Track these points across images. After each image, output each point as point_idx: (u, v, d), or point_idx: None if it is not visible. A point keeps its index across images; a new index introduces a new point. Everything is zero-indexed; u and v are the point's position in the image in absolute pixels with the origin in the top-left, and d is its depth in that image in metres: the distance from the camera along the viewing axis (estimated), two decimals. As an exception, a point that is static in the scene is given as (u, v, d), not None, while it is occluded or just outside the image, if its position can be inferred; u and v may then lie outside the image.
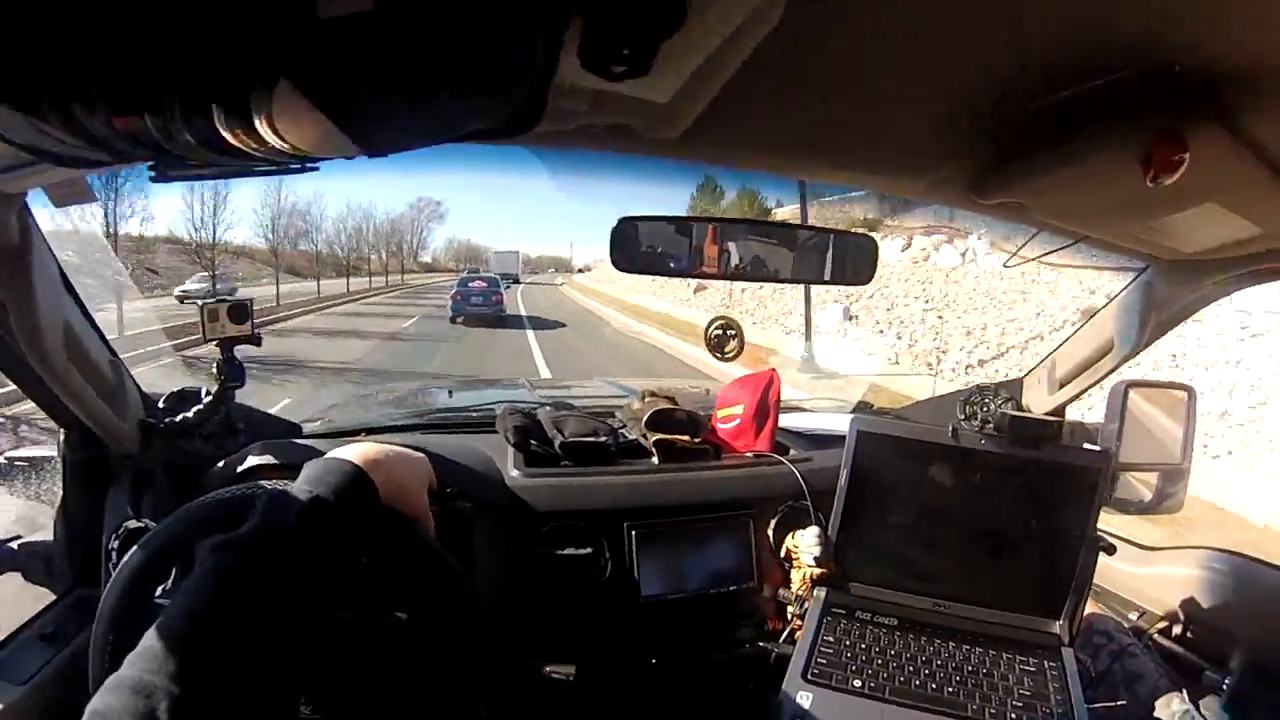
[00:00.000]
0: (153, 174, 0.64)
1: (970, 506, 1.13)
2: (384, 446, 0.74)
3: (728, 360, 1.27)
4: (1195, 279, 1.10)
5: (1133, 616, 1.29)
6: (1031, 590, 1.10)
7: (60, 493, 1.07)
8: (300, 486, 0.64)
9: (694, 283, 17.13)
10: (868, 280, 1.05)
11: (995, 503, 1.12)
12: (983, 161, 0.76)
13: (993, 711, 0.95)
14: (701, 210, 19.62)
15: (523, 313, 19.93)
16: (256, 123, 0.44)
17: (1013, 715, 0.94)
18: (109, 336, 0.97)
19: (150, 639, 0.52)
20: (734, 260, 0.98)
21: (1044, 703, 0.96)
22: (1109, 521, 1.16)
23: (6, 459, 1.10)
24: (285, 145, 0.47)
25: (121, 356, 1.03)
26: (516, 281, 38.81)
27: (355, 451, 0.70)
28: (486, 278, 20.38)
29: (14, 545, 1.08)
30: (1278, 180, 0.69)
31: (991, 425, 1.08)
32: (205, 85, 0.43)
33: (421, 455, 0.79)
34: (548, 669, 1.04)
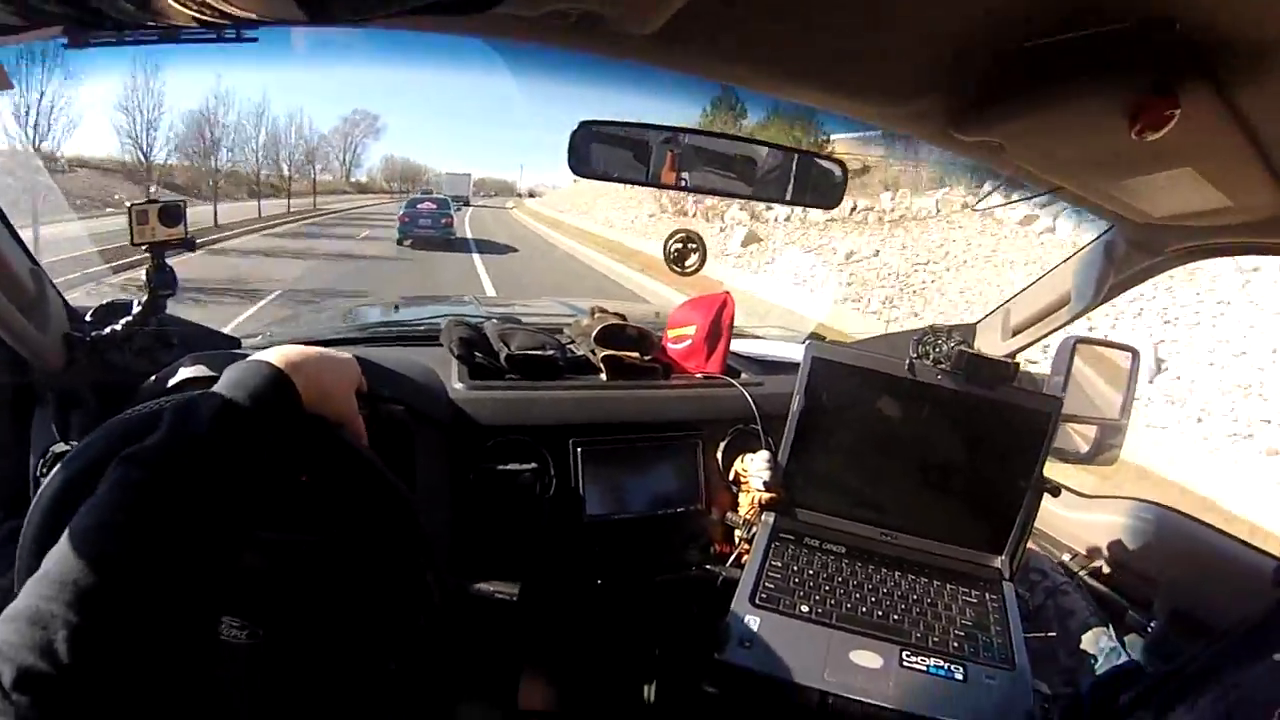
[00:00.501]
0: (66, 41, 0.58)
1: (921, 440, 1.14)
2: (306, 349, 0.69)
3: (688, 274, 1.25)
4: (1157, 243, 1.13)
5: (1066, 557, 1.35)
6: (976, 525, 1.13)
7: (-20, 417, 1.01)
8: (213, 392, 0.60)
9: (651, 212, 16.90)
10: (832, 206, 1.04)
11: (946, 438, 1.14)
12: (966, 97, 0.74)
13: (936, 639, 0.98)
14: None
15: (469, 235, 19.49)
16: None
17: (955, 644, 0.97)
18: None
19: (48, 562, 0.48)
20: (692, 173, 0.96)
21: (984, 632, 1.00)
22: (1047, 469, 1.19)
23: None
24: (228, 5, 0.43)
25: (56, 280, 0.97)
26: (467, 204, 37.77)
27: (275, 354, 0.65)
28: (436, 199, 19.68)
29: (-66, 477, 1.02)
30: (1257, 154, 0.69)
31: (948, 363, 1.09)
32: None
33: (349, 356, 0.75)
34: (490, 587, 1.01)
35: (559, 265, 14.66)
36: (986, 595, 1.06)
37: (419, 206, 17.74)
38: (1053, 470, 1.17)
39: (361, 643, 0.70)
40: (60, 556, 0.48)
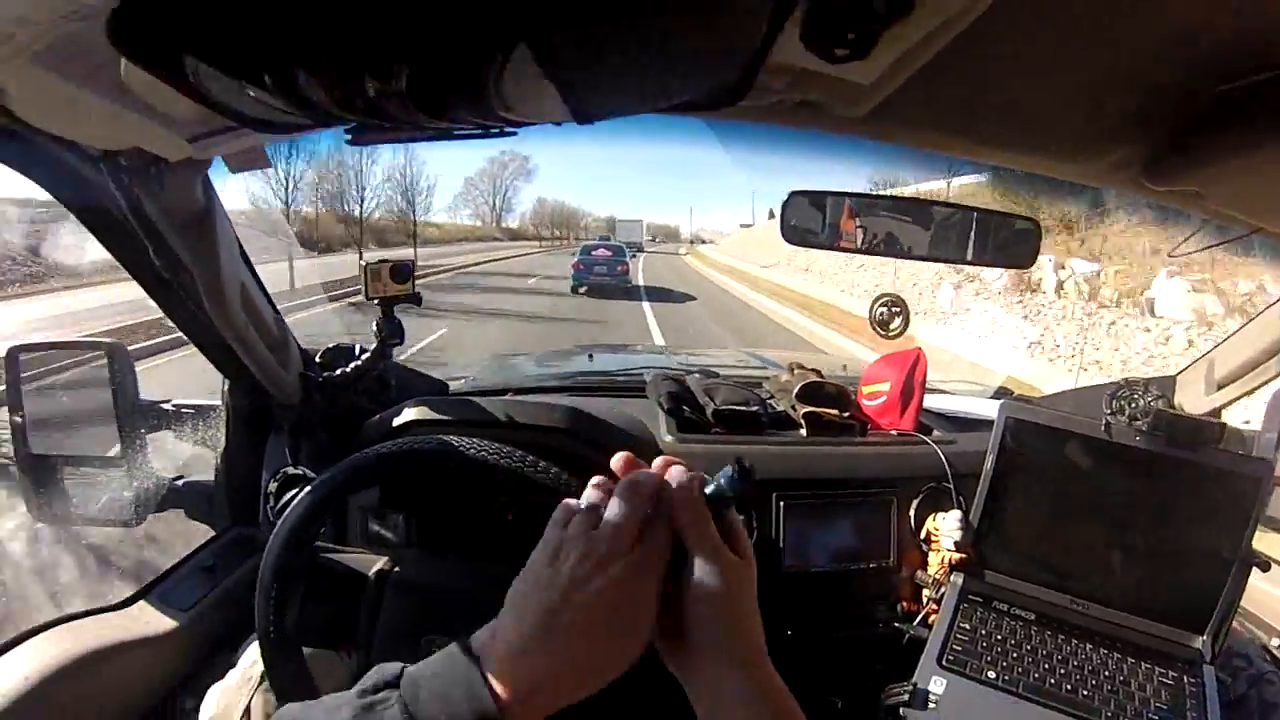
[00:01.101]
0: (349, 137, 0.66)
1: (1117, 505, 1.07)
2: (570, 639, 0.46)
3: (892, 338, 1.24)
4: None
5: (1275, 643, 1.20)
6: (1175, 600, 1.04)
7: (223, 438, 1.16)
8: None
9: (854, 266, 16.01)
10: (1028, 265, 1.00)
11: (1144, 504, 1.06)
12: (1161, 146, 0.71)
13: None
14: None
15: (641, 283, 18.98)
16: (484, 90, 0.45)
17: None
18: (283, 289, 1.02)
19: None
20: (881, 238, 0.96)
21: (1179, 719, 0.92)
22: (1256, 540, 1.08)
23: (173, 405, 1.19)
24: (504, 112, 0.48)
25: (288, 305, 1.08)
26: (640, 250, 38.22)
27: (503, 674, 0.44)
28: (611, 245, 19.39)
29: (179, 484, 1.17)
30: None
31: (1145, 422, 1.01)
32: (441, 51, 0.42)
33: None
34: None
35: (739, 316, 13.96)
36: (1185, 679, 0.97)
37: (594, 254, 17.50)
38: (1263, 542, 1.06)
39: None
40: None
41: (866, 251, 0.96)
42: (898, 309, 1.22)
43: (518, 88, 0.45)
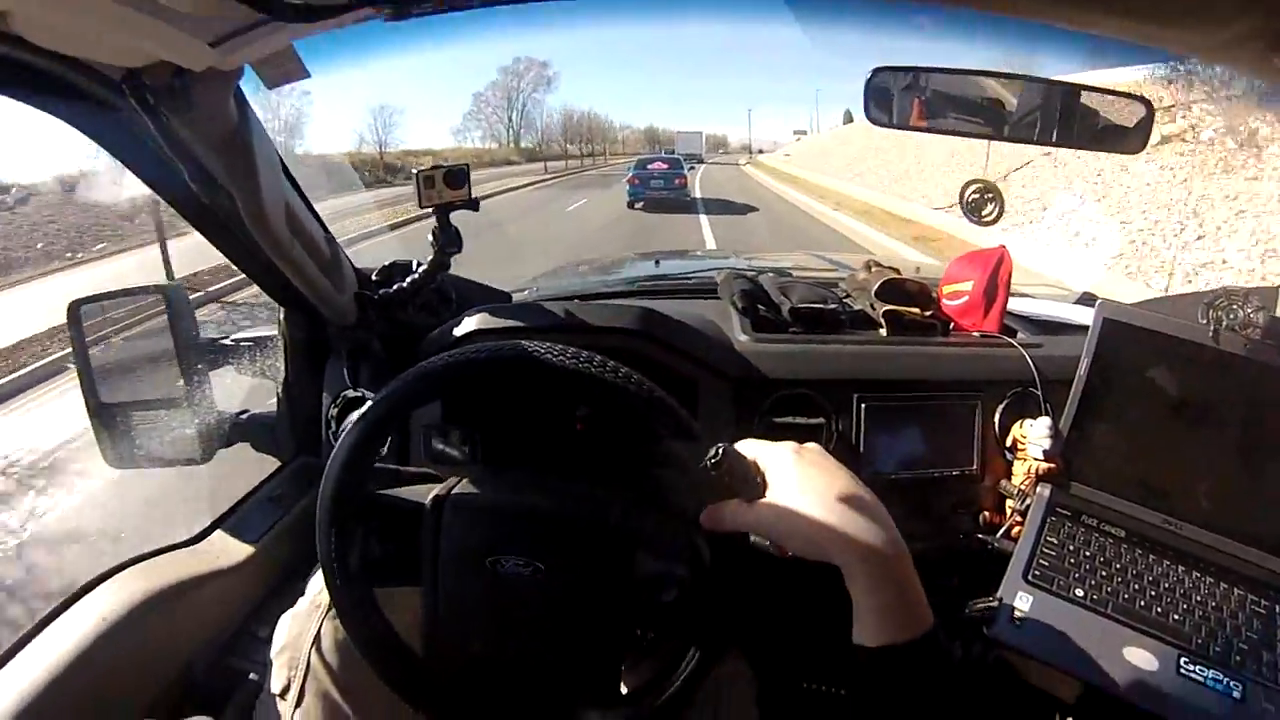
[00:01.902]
0: (389, 11, 0.61)
1: (1221, 420, 0.99)
2: None
3: (985, 223, 1.16)
4: None
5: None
6: (1274, 525, 0.96)
7: (282, 368, 1.16)
8: None
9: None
10: (1137, 149, 0.90)
11: (1251, 420, 0.97)
12: None
13: (1218, 649, 0.86)
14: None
15: (699, 195, 18.44)
16: None
17: (1237, 658, 0.85)
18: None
19: None
20: (966, 116, 0.88)
21: (1271, 650, 0.86)
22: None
23: (233, 340, 1.19)
24: None
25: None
26: (701, 161, 37.66)
27: None
28: (667, 158, 18.87)
29: (243, 418, 1.18)
30: None
31: (1258, 332, 0.92)
32: None
33: None
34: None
35: (803, 230, 13.36)
36: (1278, 608, 0.91)
37: (650, 167, 16.96)
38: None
39: (633, 583, 0.72)
40: None
41: (953, 132, 0.87)
42: (991, 195, 1.13)
43: None
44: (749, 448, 0.62)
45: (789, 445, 0.61)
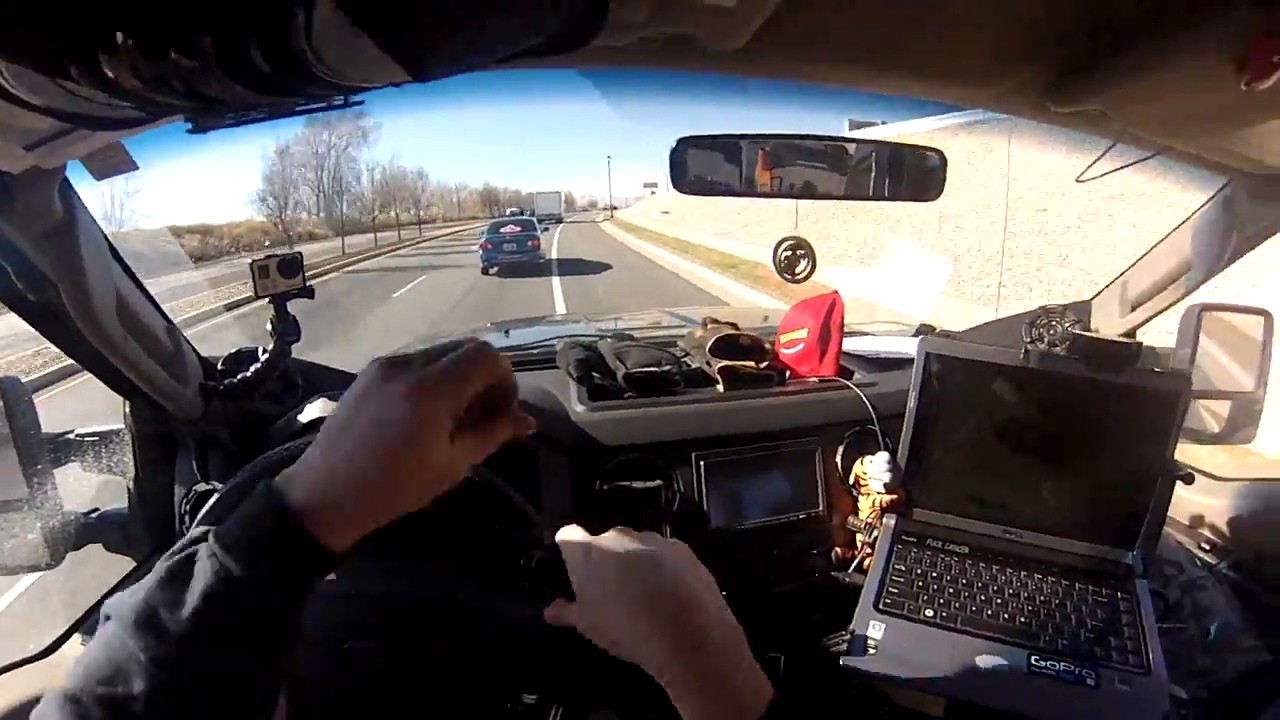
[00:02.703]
0: (190, 128, 0.62)
1: (1042, 432, 1.08)
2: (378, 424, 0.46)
3: (799, 281, 1.22)
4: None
5: (1202, 548, 1.26)
6: (1105, 519, 1.06)
7: (130, 463, 1.10)
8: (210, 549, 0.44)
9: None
10: (934, 197, 0.99)
11: (1068, 428, 1.07)
12: (1060, 66, 0.70)
13: (1065, 642, 0.93)
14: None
15: (554, 256, 18.01)
16: (299, 54, 0.42)
17: (1085, 646, 0.92)
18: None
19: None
20: (788, 180, 0.94)
21: (1117, 635, 0.94)
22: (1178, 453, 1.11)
23: (77, 435, 1.12)
24: (333, 78, 0.45)
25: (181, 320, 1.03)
26: (560, 220, 37.78)
27: (311, 470, 0.45)
28: (520, 220, 18.41)
29: (93, 517, 1.11)
30: None
31: (1063, 347, 1.03)
32: (239, 17, 0.39)
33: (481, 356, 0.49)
34: None
35: (661, 282, 13.29)
36: (1118, 593, 1.00)
37: (502, 231, 16.71)
38: (1184, 454, 1.09)
39: (482, 659, 0.72)
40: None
41: (771, 195, 0.94)
42: (803, 251, 1.20)
43: (334, 47, 0.42)
44: (572, 538, 0.58)
45: (610, 538, 0.57)
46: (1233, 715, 0.96)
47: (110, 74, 0.41)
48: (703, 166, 0.92)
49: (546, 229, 22.79)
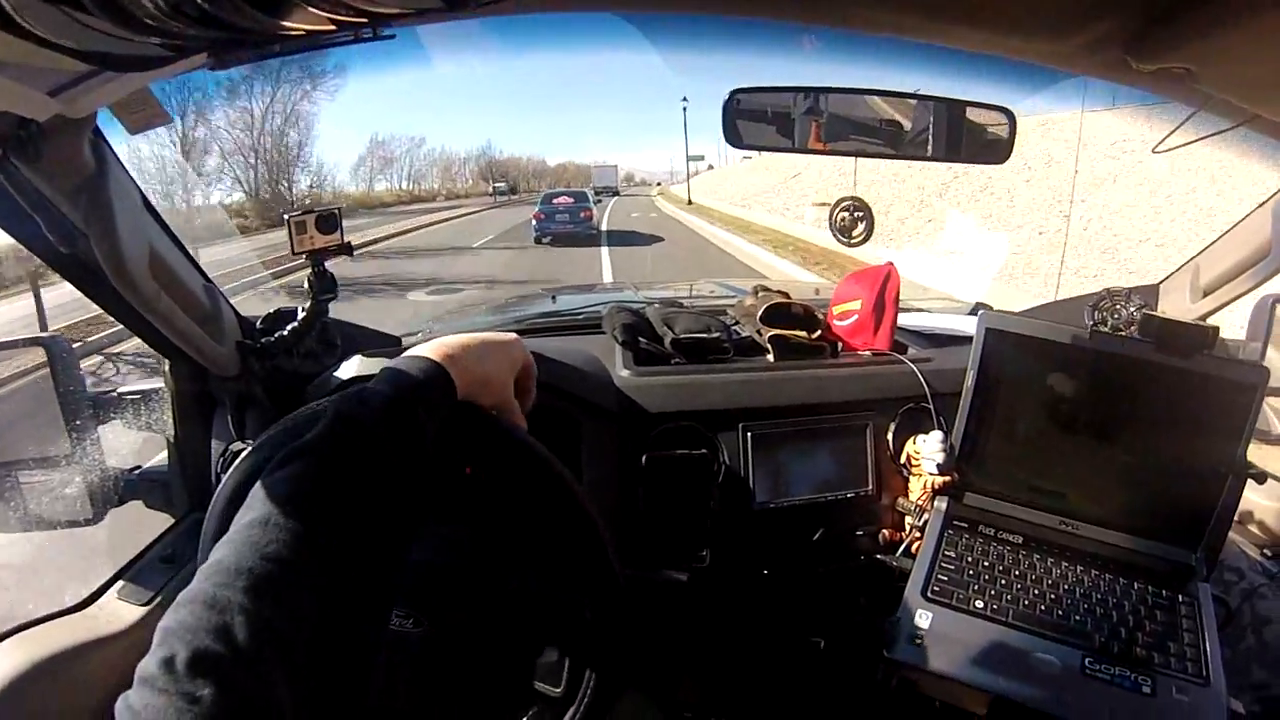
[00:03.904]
0: (210, 63, 0.60)
1: (1105, 418, 1.02)
2: (465, 337, 0.68)
3: (855, 244, 1.17)
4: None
5: (1267, 554, 1.17)
6: (1168, 515, 0.99)
7: (170, 422, 1.10)
8: (369, 386, 0.60)
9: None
10: (1003, 159, 0.93)
11: (1133, 416, 1.00)
12: (1146, 17, 0.64)
13: (1121, 645, 0.88)
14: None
15: (605, 228, 18.40)
16: None
17: (1141, 650, 0.87)
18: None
19: (220, 551, 0.48)
20: (838, 141, 0.89)
21: (1176, 641, 0.88)
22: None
23: (119, 394, 1.13)
24: (366, 3, 0.42)
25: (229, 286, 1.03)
26: (616, 194, 39.72)
27: (432, 347, 0.66)
28: (573, 193, 18.67)
29: (134, 475, 1.12)
30: None
31: (1133, 329, 0.96)
32: None
33: (512, 337, 0.73)
34: (657, 576, 1.00)
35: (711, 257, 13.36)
36: (1179, 596, 0.94)
37: (555, 202, 17.11)
38: (1255, 454, 1.01)
39: (527, 633, 0.70)
40: (234, 545, 0.48)
41: (827, 152, 0.89)
42: (861, 213, 1.15)
43: None
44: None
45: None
46: None
47: (128, 5, 0.40)
48: (754, 128, 0.88)
49: (600, 200, 23.12)
